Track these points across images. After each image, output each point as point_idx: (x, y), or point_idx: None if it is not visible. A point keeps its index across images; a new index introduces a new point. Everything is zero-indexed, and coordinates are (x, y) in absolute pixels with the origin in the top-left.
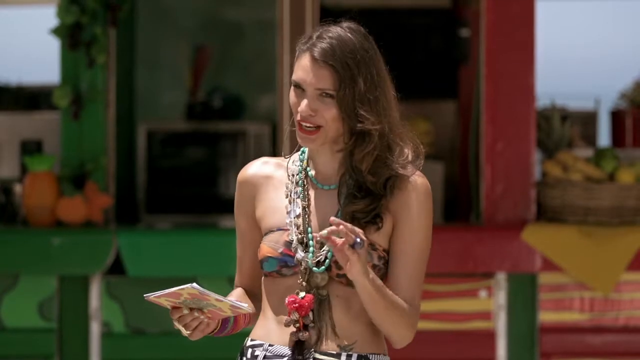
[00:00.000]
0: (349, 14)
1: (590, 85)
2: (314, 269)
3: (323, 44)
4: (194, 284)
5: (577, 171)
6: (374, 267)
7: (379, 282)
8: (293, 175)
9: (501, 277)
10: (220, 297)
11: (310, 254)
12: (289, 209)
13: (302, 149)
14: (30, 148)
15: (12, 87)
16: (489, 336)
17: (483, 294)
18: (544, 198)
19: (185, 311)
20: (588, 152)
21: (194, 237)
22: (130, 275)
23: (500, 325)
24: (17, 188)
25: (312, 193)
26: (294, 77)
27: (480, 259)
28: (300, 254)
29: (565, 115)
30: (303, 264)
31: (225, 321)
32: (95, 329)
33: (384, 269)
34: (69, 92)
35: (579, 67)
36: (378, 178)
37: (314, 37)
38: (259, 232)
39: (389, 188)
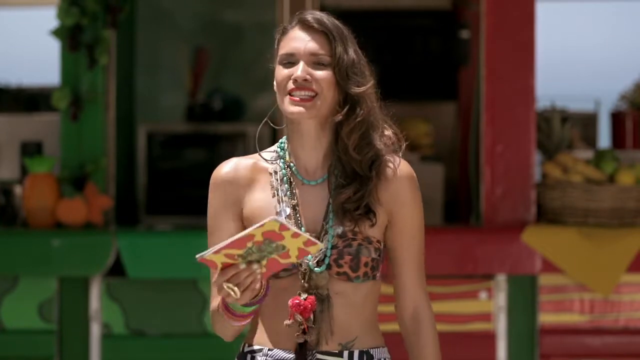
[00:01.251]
0: (350, 15)
1: (591, 87)
2: (315, 269)
3: (314, 15)
4: (276, 217)
5: (577, 173)
6: (372, 260)
7: None
8: (275, 172)
9: (501, 279)
10: (298, 231)
11: (309, 254)
12: (278, 209)
13: (280, 145)
14: (30, 149)
15: (12, 89)
16: (489, 338)
17: (483, 295)
18: (544, 199)
19: (242, 265)
20: (588, 154)
21: (194, 239)
22: (131, 277)
23: (500, 326)
24: (17, 189)
25: (298, 190)
26: (284, 51)
27: (480, 261)
28: None
29: (566, 117)
30: (303, 265)
31: (267, 287)
32: (95, 330)
33: (379, 260)
34: (68, 93)
35: (579, 69)
36: (363, 156)
37: (298, 15)
38: None
39: (374, 171)
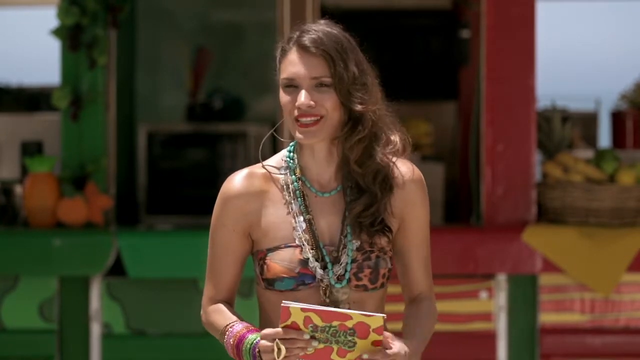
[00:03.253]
0: (350, 15)
1: (591, 86)
2: (336, 284)
3: (310, 35)
4: (385, 316)
5: (577, 172)
6: (388, 270)
7: (416, 341)
8: (287, 185)
9: (502, 278)
10: (381, 341)
11: (330, 271)
12: (294, 224)
13: (288, 155)
14: (31, 149)
15: (12, 88)
16: (490, 337)
17: (484, 295)
18: (545, 199)
19: (306, 336)
20: (588, 154)
21: (195, 239)
22: (131, 277)
23: (501, 326)
24: (18, 189)
25: (312, 203)
26: (284, 75)
27: (480, 260)
28: (320, 272)
29: (566, 117)
30: (325, 280)
31: None
32: (95, 330)
33: (391, 269)
34: (68, 93)
35: (580, 69)
36: (365, 169)
37: (296, 34)
38: (249, 248)
39: (378, 183)
